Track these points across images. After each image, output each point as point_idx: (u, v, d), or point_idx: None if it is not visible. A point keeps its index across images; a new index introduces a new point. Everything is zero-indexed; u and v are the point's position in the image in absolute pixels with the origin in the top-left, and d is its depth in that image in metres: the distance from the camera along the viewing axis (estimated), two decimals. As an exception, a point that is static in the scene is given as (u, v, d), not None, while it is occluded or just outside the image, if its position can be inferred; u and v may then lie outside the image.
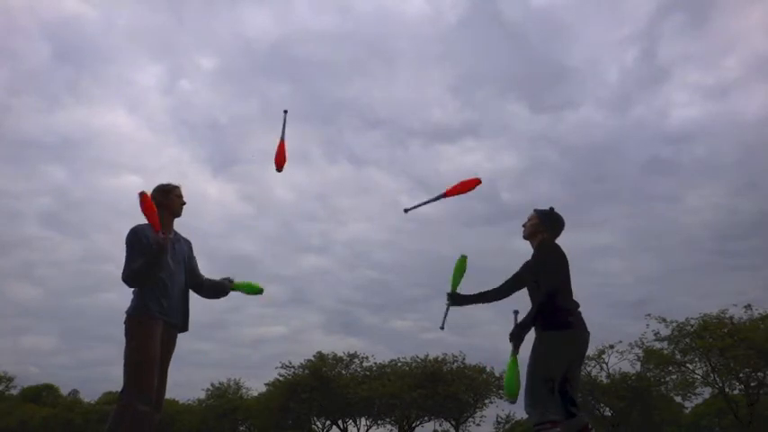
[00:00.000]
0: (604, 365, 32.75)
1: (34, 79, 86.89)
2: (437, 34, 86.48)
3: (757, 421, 28.31)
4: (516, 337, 3.66)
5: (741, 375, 28.22)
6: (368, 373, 37.79)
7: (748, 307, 28.61)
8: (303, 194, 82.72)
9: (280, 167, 4.30)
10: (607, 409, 32.49)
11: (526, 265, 3.94)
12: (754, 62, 74.75)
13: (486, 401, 36.10)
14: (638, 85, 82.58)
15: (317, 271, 70.17)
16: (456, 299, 4.10)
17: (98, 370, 66.97)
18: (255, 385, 53.01)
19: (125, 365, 3.47)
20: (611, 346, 32.13)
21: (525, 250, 3.82)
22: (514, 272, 4.00)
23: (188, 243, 3.99)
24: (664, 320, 29.71)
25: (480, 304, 4.11)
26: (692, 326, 29.10)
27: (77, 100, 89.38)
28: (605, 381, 32.24)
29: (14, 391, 51.53)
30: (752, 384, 28.25)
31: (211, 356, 61.40)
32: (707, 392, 31.47)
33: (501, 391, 35.74)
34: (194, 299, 3.94)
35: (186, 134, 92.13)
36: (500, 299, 4.00)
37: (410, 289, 67.76)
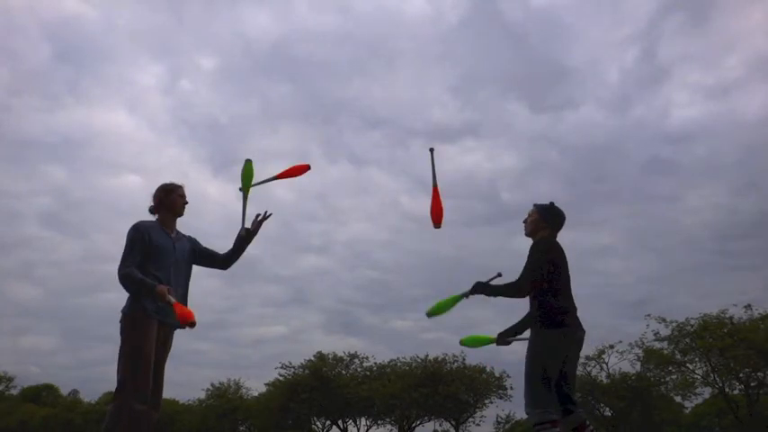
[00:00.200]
0: (604, 365, 32.81)
1: (34, 79, 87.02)
2: (437, 34, 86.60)
3: (757, 421, 28.31)
4: (479, 289, 3.77)
5: (741, 375, 28.24)
6: (368, 373, 37.81)
7: (748, 307, 28.69)
8: (303, 194, 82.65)
9: (438, 223, 3.99)
10: (607, 409, 32.51)
11: None
12: (754, 62, 74.78)
13: (486, 401, 36.14)
14: (639, 85, 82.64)
15: (317, 271, 70.22)
16: (481, 288, 3.82)
17: (98, 370, 67.02)
18: (255, 385, 53.02)
19: (120, 364, 3.46)
20: (611, 346, 32.21)
21: (525, 250, 3.80)
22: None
23: (191, 240, 3.99)
24: (664, 320, 29.78)
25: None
26: (692, 326, 29.13)
27: (77, 100, 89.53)
28: (605, 381, 32.26)
29: (14, 391, 51.64)
30: (752, 384, 28.26)
31: (211, 356, 61.47)
32: (707, 392, 31.55)
33: (501, 391, 35.84)
34: (193, 299, 3.93)
35: (186, 134, 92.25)
36: (519, 295, 3.75)
37: (410, 289, 67.74)
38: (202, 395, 43.47)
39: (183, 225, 3.97)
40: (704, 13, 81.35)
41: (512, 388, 35.08)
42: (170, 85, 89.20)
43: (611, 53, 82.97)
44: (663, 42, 78.29)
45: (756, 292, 69.97)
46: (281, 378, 38.09)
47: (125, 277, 3.52)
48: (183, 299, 3.82)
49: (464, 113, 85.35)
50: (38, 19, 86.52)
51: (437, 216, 3.99)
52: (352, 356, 38.64)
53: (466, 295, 3.87)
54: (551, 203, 3.91)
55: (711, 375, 29.28)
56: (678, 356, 29.96)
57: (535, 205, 3.95)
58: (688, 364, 30.30)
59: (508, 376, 35.45)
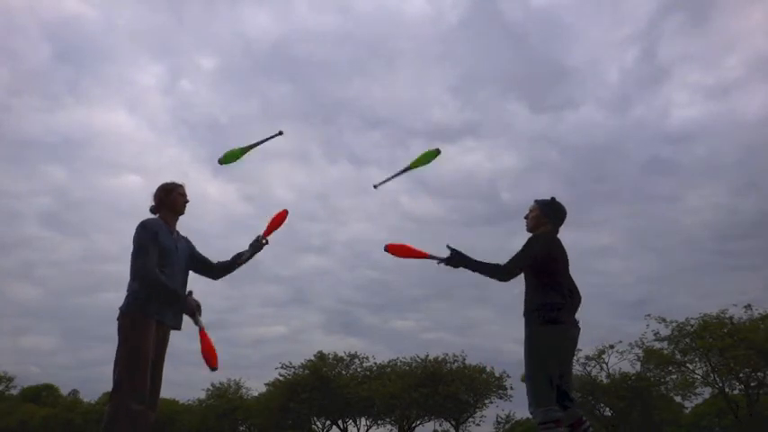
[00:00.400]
0: (604, 365, 32.80)
1: (34, 79, 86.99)
2: (437, 34, 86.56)
3: (757, 421, 28.31)
4: (457, 259, 3.62)
5: (741, 375, 28.22)
6: (368, 373, 37.81)
7: (748, 307, 28.67)
8: (303, 194, 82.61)
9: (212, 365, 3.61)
10: (607, 409, 32.50)
11: None
12: (754, 62, 74.76)
13: (486, 401, 36.13)
14: (639, 85, 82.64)
15: (317, 271, 70.21)
16: (460, 259, 3.66)
17: (98, 370, 66.87)
18: (255, 385, 52.98)
19: (118, 364, 3.45)
20: (612, 346, 32.19)
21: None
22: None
23: (188, 242, 3.98)
24: (664, 320, 29.76)
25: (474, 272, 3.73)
26: (692, 326, 29.12)
27: (77, 100, 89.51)
28: (605, 381, 32.25)
29: (14, 391, 51.59)
30: (752, 384, 28.25)
31: (211, 356, 61.28)
32: (707, 392, 31.54)
33: (501, 391, 35.85)
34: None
35: (186, 134, 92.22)
36: (499, 278, 3.65)
37: (410, 289, 67.76)
38: (202, 395, 43.53)
39: (183, 225, 3.98)
40: (704, 13, 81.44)
41: (512, 388, 35.14)
42: (170, 85, 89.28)
43: (611, 53, 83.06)
44: (663, 42, 78.38)
45: (756, 292, 70.03)
46: (281, 378, 38.12)
47: (155, 281, 3.52)
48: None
49: (464, 113, 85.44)
50: (38, 19, 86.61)
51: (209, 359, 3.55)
52: (352, 356, 38.66)
53: (442, 261, 3.68)
54: (552, 199, 3.90)
55: (711, 375, 29.27)
56: (678, 356, 29.95)
57: (536, 201, 3.94)
58: (688, 364, 30.30)
59: (508, 376, 35.52)
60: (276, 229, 4.08)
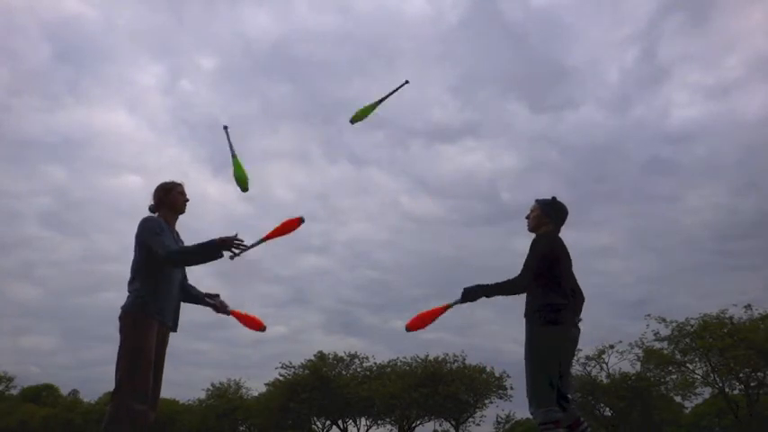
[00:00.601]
0: (604, 365, 32.80)
1: (34, 79, 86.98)
2: (438, 34, 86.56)
3: (757, 421, 28.31)
4: (471, 295, 3.72)
5: (741, 375, 28.22)
6: (368, 373, 37.80)
7: (748, 307, 28.66)
8: (303, 194, 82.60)
9: (412, 328, 3.95)
10: (607, 409, 32.50)
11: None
12: (754, 62, 74.79)
13: (486, 401, 36.12)
14: (639, 85, 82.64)
15: (317, 271, 70.21)
16: (474, 292, 3.75)
17: (98, 370, 66.94)
18: (255, 385, 53.03)
19: (119, 364, 3.44)
20: (612, 346, 32.20)
21: (525, 250, 3.79)
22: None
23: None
24: (664, 320, 29.75)
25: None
26: (692, 326, 29.12)
27: (77, 100, 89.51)
28: (605, 381, 32.25)
29: (14, 391, 51.63)
30: (752, 384, 28.24)
31: (211, 356, 61.44)
32: (707, 392, 31.53)
33: (501, 391, 35.85)
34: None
35: (186, 134, 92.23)
36: (517, 291, 3.74)
37: (410, 289, 67.73)
38: (202, 395, 43.57)
39: (183, 225, 3.98)
40: (704, 13, 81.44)
41: (512, 388, 35.13)
42: (170, 85, 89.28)
43: (611, 53, 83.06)
44: (663, 42, 78.39)
45: (756, 292, 69.99)
46: (281, 378, 38.11)
47: (179, 253, 3.52)
48: (179, 299, 3.81)
49: (464, 113, 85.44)
50: (38, 19, 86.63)
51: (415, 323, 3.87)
52: (352, 356, 38.66)
53: (457, 303, 3.79)
54: (553, 198, 3.90)
55: (711, 375, 29.27)
56: (678, 356, 29.95)
57: (537, 201, 3.93)
58: (688, 364, 30.29)
59: (508, 376, 35.50)
60: (283, 235, 4.00)
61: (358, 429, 38.54)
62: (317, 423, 38.50)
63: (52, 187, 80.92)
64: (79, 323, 72.26)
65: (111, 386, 3.45)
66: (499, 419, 41.50)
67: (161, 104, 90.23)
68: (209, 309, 3.94)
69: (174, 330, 3.79)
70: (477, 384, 35.28)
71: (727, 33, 77.96)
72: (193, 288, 3.96)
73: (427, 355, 36.70)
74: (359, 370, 38.40)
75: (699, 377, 30.19)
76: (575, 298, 3.71)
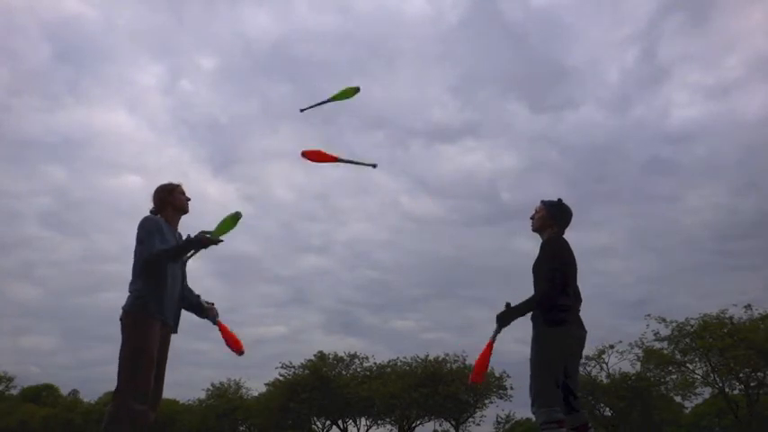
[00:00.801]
0: (604, 365, 32.80)
1: (34, 79, 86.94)
2: (437, 34, 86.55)
3: (757, 421, 28.31)
4: (504, 320, 3.65)
5: (741, 375, 28.22)
6: (368, 373, 37.80)
7: (748, 307, 28.66)
8: (303, 194, 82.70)
9: (478, 381, 3.80)
10: (607, 409, 32.50)
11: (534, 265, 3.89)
12: (754, 62, 74.79)
13: (486, 401, 36.12)
14: (639, 85, 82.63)
15: (317, 271, 70.23)
16: (506, 317, 3.68)
17: (98, 370, 66.92)
18: (255, 385, 53.06)
19: (121, 363, 3.44)
20: (612, 346, 32.20)
21: (525, 250, 3.82)
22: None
23: None
24: (664, 320, 29.76)
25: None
26: (692, 326, 29.12)
27: (77, 100, 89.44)
28: (605, 381, 32.25)
29: (14, 391, 51.64)
30: (752, 384, 28.25)
31: (211, 356, 61.21)
32: (707, 392, 31.53)
33: (501, 391, 35.85)
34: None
35: (186, 134, 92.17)
36: (544, 302, 3.67)
37: (410, 289, 67.81)
38: (202, 395, 43.58)
39: (184, 225, 3.98)
40: (704, 13, 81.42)
41: (512, 388, 35.13)
42: (170, 85, 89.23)
43: (611, 53, 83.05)
44: (663, 42, 78.38)
45: (756, 292, 70.07)
46: (281, 378, 38.12)
47: (156, 255, 3.52)
48: (179, 300, 3.82)
49: (464, 113, 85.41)
50: (38, 19, 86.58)
51: (477, 377, 3.80)
52: (352, 356, 38.67)
53: (498, 331, 3.69)
54: (559, 200, 3.90)
55: (711, 375, 29.27)
56: (678, 356, 29.95)
57: (542, 202, 3.93)
58: (688, 364, 30.30)
59: (508, 376, 35.49)
60: (227, 341, 3.91)
61: (358, 429, 38.57)
62: (317, 423, 38.51)
63: (52, 187, 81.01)
64: (79, 323, 72.35)
65: (111, 386, 3.45)
66: (499, 419, 41.56)
67: (161, 104, 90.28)
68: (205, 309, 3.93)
69: (175, 332, 3.79)
70: (477, 384, 35.26)
71: (727, 33, 78.05)
72: (191, 293, 3.95)
73: (427, 355, 36.77)
74: (359, 370, 38.41)
75: (699, 377, 30.21)
76: (577, 301, 3.72)
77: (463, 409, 35.59)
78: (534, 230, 3.93)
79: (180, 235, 3.90)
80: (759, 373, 27.86)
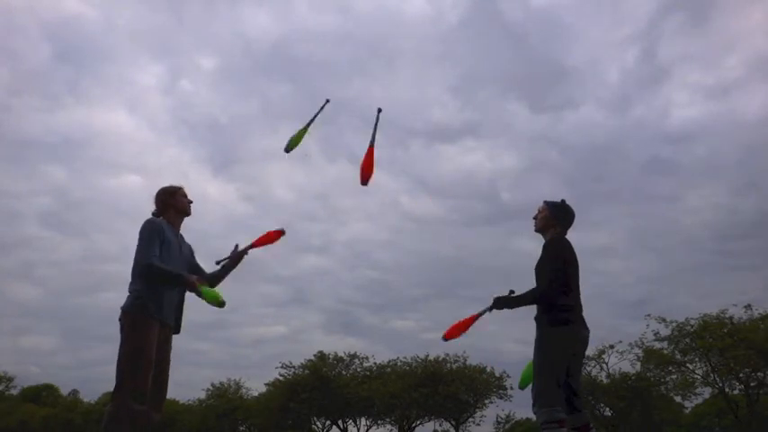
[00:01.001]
0: (604, 365, 32.81)
1: (34, 79, 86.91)
2: (437, 34, 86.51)
3: (757, 421, 28.31)
4: (501, 304, 3.73)
5: (741, 375, 28.23)
6: (368, 373, 37.81)
7: (748, 307, 28.67)
8: (303, 194, 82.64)
9: (366, 180, 4.02)
10: (607, 409, 32.50)
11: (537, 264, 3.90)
12: (754, 62, 74.74)
13: (486, 401, 36.14)
14: (639, 85, 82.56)
15: (317, 271, 70.16)
16: (504, 302, 3.79)
17: (98, 370, 66.90)
18: (255, 385, 53.00)
19: (119, 364, 3.44)
20: (612, 346, 32.19)
21: (526, 250, 3.83)
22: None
23: (190, 248, 3.99)
24: (664, 320, 29.76)
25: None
26: (692, 326, 29.12)
27: (77, 100, 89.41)
28: (605, 381, 32.25)
29: (14, 391, 51.64)
30: (752, 384, 28.25)
31: (211, 356, 61.31)
32: (707, 392, 31.53)
33: (501, 391, 35.87)
34: (189, 301, 3.93)
35: (186, 134, 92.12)
36: (543, 299, 3.73)
37: (410, 289, 67.77)
38: (202, 395, 43.57)
39: (184, 225, 3.98)
40: (704, 13, 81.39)
41: (512, 388, 35.08)
42: (170, 85, 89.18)
43: (611, 53, 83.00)
44: (663, 42, 78.33)
45: (756, 292, 70.11)
46: (281, 378, 38.12)
47: (149, 267, 3.51)
48: (181, 300, 3.82)
49: (464, 113, 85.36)
50: (38, 19, 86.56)
51: (365, 174, 4.03)
52: (352, 356, 38.67)
53: (489, 310, 3.81)
54: (562, 201, 3.91)
55: (711, 375, 29.27)
56: (678, 356, 29.95)
57: (545, 202, 3.94)
58: (688, 364, 30.30)
59: (508, 376, 35.50)
60: (265, 245, 4.02)
61: (358, 429, 38.57)
62: (317, 423, 38.52)
63: (52, 187, 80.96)
64: (79, 323, 72.32)
65: (111, 386, 3.45)
66: (499, 419, 41.57)
67: (161, 104, 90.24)
68: (210, 306, 3.92)
69: (177, 332, 3.79)
70: (478, 384, 35.29)
71: (727, 33, 78.02)
72: (213, 273, 4.00)
73: (427, 355, 36.78)
74: (359, 370, 38.42)
75: (699, 377, 30.22)
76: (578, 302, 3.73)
77: (463, 409, 35.59)
78: (537, 231, 3.94)
79: (182, 237, 3.91)
80: (759, 373, 27.86)
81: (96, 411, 43.41)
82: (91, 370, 67.58)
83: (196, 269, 3.96)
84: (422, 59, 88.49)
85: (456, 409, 35.29)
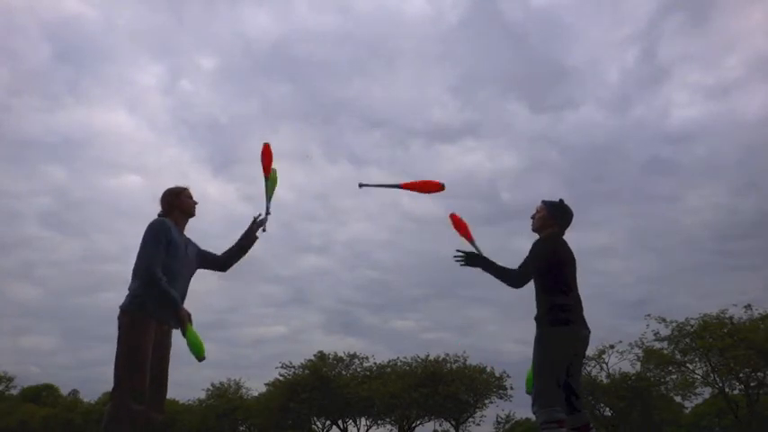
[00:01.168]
0: (604, 365, 32.80)
1: (34, 79, 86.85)
2: (437, 34, 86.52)
3: (757, 421, 28.31)
4: (472, 260, 3.79)
5: (741, 375, 28.22)
6: (368, 373, 37.81)
7: (748, 307, 28.65)
8: (303, 194, 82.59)
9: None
10: (607, 409, 32.50)
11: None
12: (754, 62, 74.73)
13: (486, 401, 36.13)
14: (639, 85, 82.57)
15: (317, 271, 70.10)
16: (476, 259, 3.81)
17: (98, 370, 66.82)
18: (255, 385, 53.00)
19: (117, 363, 3.44)
20: (612, 346, 32.18)
21: (526, 250, 3.78)
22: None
23: (195, 245, 3.99)
24: (664, 320, 29.75)
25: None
26: (692, 326, 29.12)
27: (77, 100, 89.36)
28: (605, 381, 32.25)
29: (14, 391, 51.58)
30: (752, 384, 28.25)
31: (211, 356, 60.78)
32: (707, 392, 31.53)
33: (501, 391, 35.88)
34: (193, 299, 3.93)
35: (186, 134, 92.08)
36: (510, 283, 3.73)
37: (410, 289, 67.73)
38: (202, 395, 43.54)
39: (189, 228, 3.98)
40: (704, 13, 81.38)
41: (512, 388, 35.13)
42: (170, 85, 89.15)
43: (611, 53, 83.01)
44: (663, 42, 78.33)
45: (756, 292, 70.08)
46: (281, 378, 38.12)
47: (153, 277, 3.51)
48: (182, 298, 3.81)
49: (464, 113, 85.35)
50: (38, 19, 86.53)
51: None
52: (352, 356, 38.67)
53: (476, 249, 3.90)
54: (560, 201, 3.90)
55: (711, 375, 29.27)
56: (678, 356, 29.95)
57: (543, 202, 3.94)
58: (688, 364, 30.30)
59: (508, 376, 35.51)
60: (419, 191, 4.02)
61: (358, 429, 38.57)
62: (317, 423, 38.51)
63: (52, 187, 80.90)
64: (79, 323, 72.28)
65: (110, 386, 3.44)
66: (499, 419, 41.58)
67: (161, 104, 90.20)
68: (210, 306, 3.94)
69: (177, 327, 3.78)
70: (478, 384, 35.28)
71: (727, 33, 78.01)
72: (230, 251, 4.10)
73: (427, 355, 36.76)
74: (359, 370, 38.40)
75: (699, 377, 30.22)
76: (578, 301, 3.72)
77: (463, 409, 35.58)
78: (534, 230, 3.93)
79: (188, 239, 3.90)
80: (759, 373, 27.86)
81: (96, 411, 43.40)
82: (91, 370, 67.57)
83: (205, 257, 3.99)
84: (422, 59, 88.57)
85: (456, 409, 35.29)
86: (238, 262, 4.13)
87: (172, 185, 3.94)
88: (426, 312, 62.75)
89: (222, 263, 4.08)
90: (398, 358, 37.99)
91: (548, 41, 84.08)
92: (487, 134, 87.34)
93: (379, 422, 37.55)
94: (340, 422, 38.15)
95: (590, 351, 31.53)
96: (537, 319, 3.70)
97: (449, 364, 35.96)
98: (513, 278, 3.68)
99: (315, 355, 38.15)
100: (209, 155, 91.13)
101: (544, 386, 3.49)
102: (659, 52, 79.01)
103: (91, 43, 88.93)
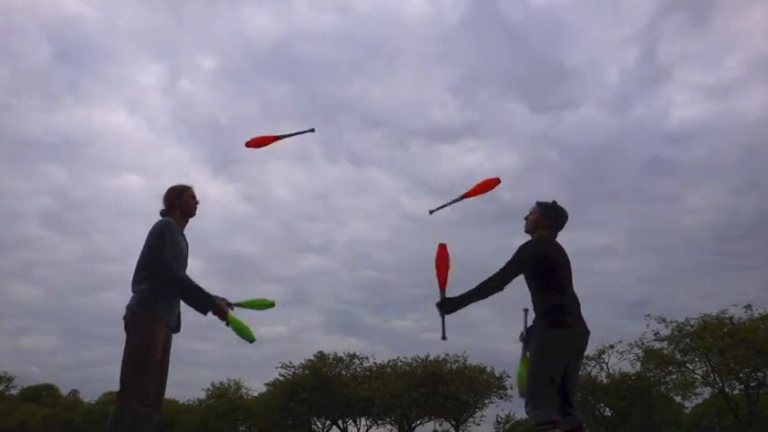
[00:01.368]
0: (604, 365, 32.81)
1: (34, 79, 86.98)
2: (437, 34, 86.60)
3: (757, 421, 28.31)
4: (448, 307, 3.79)
5: (741, 375, 28.23)
6: (368, 373, 37.81)
7: (748, 307, 28.67)
8: (303, 194, 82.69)
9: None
10: (607, 409, 32.51)
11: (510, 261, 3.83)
12: (754, 62, 74.80)
13: (486, 401, 36.14)
14: (639, 85, 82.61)
15: (317, 271, 70.14)
16: (447, 305, 3.83)
17: (98, 370, 66.88)
18: (255, 385, 52.98)
19: (124, 364, 3.43)
20: (612, 346, 32.21)
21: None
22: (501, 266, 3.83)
23: (187, 244, 3.99)
24: (664, 320, 29.77)
25: (479, 301, 3.82)
26: (692, 326, 29.12)
27: (77, 100, 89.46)
28: (605, 381, 32.26)
29: (14, 391, 51.58)
30: (752, 384, 28.25)
31: (211, 356, 61.27)
32: (707, 392, 31.53)
33: (501, 391, 35.89)
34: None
35: (186, 134, 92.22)
36: (494, 293, 3.76)
37: (410, 289, 67.65)
38: (202, 395, 43.61)
39: (188, 228, 3.99)
40: (704, 13, 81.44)
41: (512, 388, 35.07)
42: (170, 85, 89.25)
43: (611, 53, 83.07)
44: (663, 42, 78.40)
45: (756, 292, 70.04)
46: (281, 378, 38.13)
47: (177, 279, 3.53)
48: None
49: (464, 113, 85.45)
50: (38, 19, 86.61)
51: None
52: (352, 356, 38.68)
53: (441, 314, 3.86)
54: (554, 202, 3.89)
55: (711, 375, 29.27)
56: (678, 356, 29.95)
57: (537, 203, 3.93)
58: (688, 364, 30.30)
59: (508, 376, 35.49)
60: (481, 193, 4.07)
61: (358, 429, 38.57)
62: (317, 423, 38.51)
63: (52, 187, 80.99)
64: (79, 323, 72.33)
65: (111, 386, 3.48)
66: (499, 419, 41.54)
67: (161, 104, 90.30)
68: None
69: (177, 331, 3.79)
70: (477, 384, 35.29)
71: (727, 33, 78.06)
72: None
73: (427, 355, 36.80)
74: (359, 370, 38.41)
75: (699, 377, 30.22)
76: (575, 301, 3.72)
77: (463, 409, 35.59)
78: (527, 232, 3.92)
79: (185, 237, 3.91)
80: (759, 373, 27.87)
81: (96, 411, 43.42)
82: (91, 370, 67.63)
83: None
84: (422, 59, 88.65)
85: (456, 409, 35.29)
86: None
87: (176, 184, 3.93)
88: (426, 312, 62.49)
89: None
90: (398, 358, 38.09)
91: (548, 41, 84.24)
92: (487, 134, 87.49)
93: (379, 422, 37.57)
94: (340, 422, 38.15)
95: (590, 351, 31.62)
96: (535, 320, 3.70)
97: (449, 364, 35.97)
98: (494, 287, 3.71)
99: (315, 355, 38.20)
100: (209, 155, 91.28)
101: (538, 386, 3.48)
102: (659, 52, 79.15)
103: (91, 43, 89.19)
